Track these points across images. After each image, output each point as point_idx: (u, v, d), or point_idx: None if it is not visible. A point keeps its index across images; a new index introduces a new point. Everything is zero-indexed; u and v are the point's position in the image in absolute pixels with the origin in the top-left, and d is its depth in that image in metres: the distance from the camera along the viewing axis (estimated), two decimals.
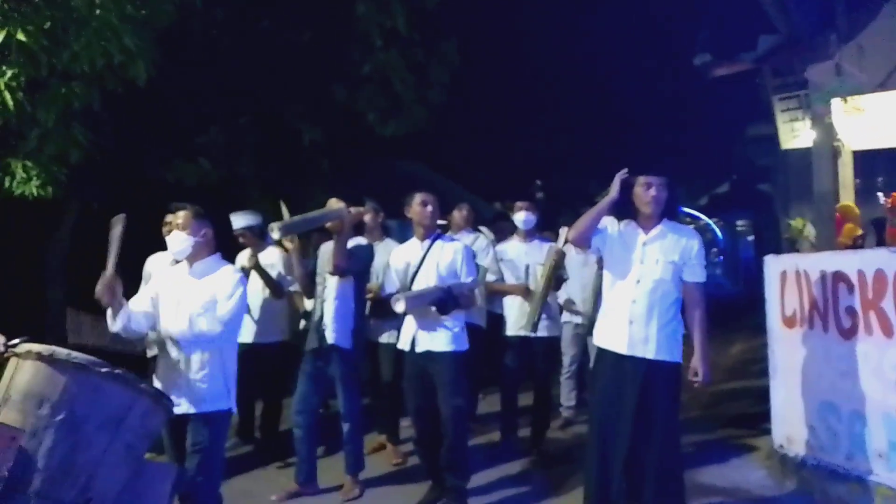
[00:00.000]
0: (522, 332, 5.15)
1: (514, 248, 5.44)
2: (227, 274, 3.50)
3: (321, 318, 4.42)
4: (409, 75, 6.98)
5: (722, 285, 23.88)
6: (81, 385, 2.55)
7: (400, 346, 4.31)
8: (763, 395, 4.71)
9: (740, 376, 7.88)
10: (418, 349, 4.15)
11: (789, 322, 4.39)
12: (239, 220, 5.40)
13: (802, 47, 6.45)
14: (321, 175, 7.71)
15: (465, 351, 4.20)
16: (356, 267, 4.42)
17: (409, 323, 4.22)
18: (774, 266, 4.58)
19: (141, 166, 6.79)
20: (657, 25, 10.62)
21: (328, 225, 4.34)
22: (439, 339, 4.12)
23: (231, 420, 3.65)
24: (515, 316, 5.27)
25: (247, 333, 5.13)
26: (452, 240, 4.47)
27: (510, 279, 5.36)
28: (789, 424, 4.39)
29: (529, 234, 5.42)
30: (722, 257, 29.18)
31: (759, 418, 5.10)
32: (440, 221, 5.22)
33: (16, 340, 2.64)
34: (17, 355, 2.60)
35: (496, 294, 5.53)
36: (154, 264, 4.97)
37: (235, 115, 6.90)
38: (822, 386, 4.08)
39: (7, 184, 5.52)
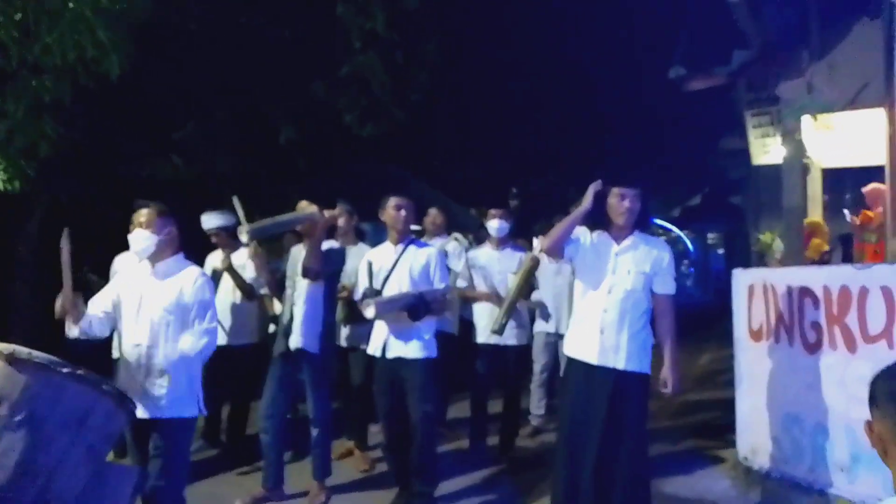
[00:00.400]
0: (493, 340, 5.12)
1: (486, 255, 5.42)
2: (192, 278, 3.39)
3: (290, 321, 4.36)
4: (387, 77, 6.97)
5: (692, 296, 24.17)
6: (42, 385, 2.50)
7: (370, 351, 4.28)
8: (730, 406, 4.76)
9: (708, 386, 7.96)
10: (389, 355, 4.13)
11: (756, 335, 4.44)
12: (211, 220, 5.32)
13: (775, 63, 6.55)
14: (297, 174, 7.67)
15: (435, 358, 4.18)
16: (327, 270, 4.36)
17: (380, 328, 4.20)
18: (742, 279, 4.64)
19: (113, 161, 6.69)
20: (635, 36, 10.73)
21: (299, 228, 4.31)
22: (411, 346, 4.11)
23: (197, 424, 3.58)
24: (485, 323, 5.24)
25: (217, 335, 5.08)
26: (426, 245, 4.45)
27: (481, 286, 5.33)
28: (754, 435, 4.44)
29: (502, 242, 5.40)
30: (693, 269, 29.55)
31: (725, 429, 5.15)
32: (415, 227, 5.21)
33: None
34: None
35: (466, 300, 5.53)
36: (121, 263, 4.87)
37: (212, 112, 6.84)
38: (787, 398, 4.14)
39: None
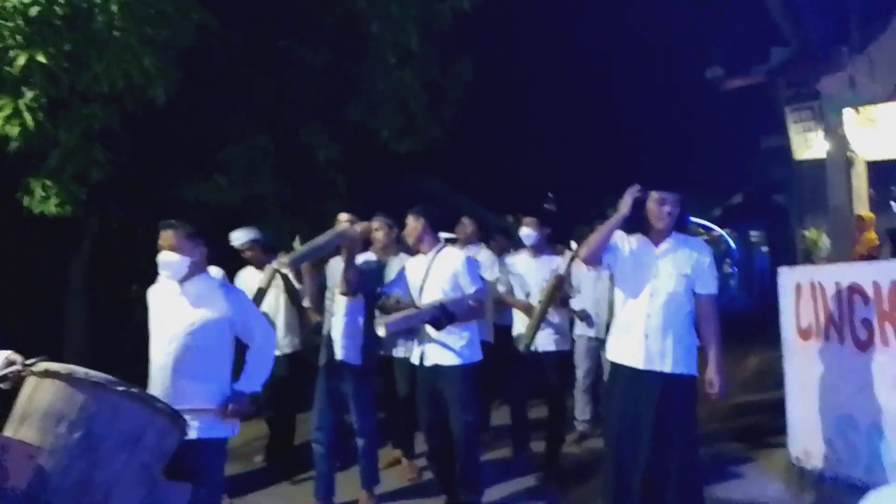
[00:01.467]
0: (532, 347, 5.13)
1: (523, 262, 5.43)
2: (227, 299, 3.29)
3: (329, 334, 4.46)
4: (422, 94, 7.06)
5: (736, 297, 23.69)
6: (99, 404, 2.54)
7: (412, 360, 4.33)
8: (780, 408, 4.68)
9: (756, 389, 7.81)
10: (427, 363, 4.16)
11: (804, 334, 4.37)
12: (243, 235, 5.38)
13: (815, 59, 6.46)
14: (337, 192, 7.79)
15: (475, 363, 4.18)
16: (367, 286, 4.41)
17: (419, 337, 4.24)
18: (789, 278, 4.57)
19: (160, 185, 6.90)
20: (669, 40, 10.66)
21: (345, 246, 4.35)
22: (447, 353, 4.11)
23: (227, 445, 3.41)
24: (521, 330, 5.27)
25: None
26: (456, 250, 4.48)
27: (518, 294, 5.36)
28: (806, 438, 4.35)
29: (538, 249, 5.38)
30: (736, 269, 28.98)
31: (775, 432, 5.07)
32: (448, 235, 5.26)
33: (33, 360, 2.64)
34: (35, 374, 2.59)
35: (504, 306, 5.56)
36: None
37: (253, 134, 7.01)
38: (839, 399, 4.06)
39: (27, 203, 5.63)
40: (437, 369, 4.11)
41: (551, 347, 5.20)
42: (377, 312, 4.36)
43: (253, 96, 6.90)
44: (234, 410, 3.19)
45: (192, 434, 3.06)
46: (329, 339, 4.44)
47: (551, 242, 5.71)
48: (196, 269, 3.30)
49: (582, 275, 5.97)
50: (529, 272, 5.31)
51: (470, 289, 4.14)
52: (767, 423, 5.78)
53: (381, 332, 3.96)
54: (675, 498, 3.45)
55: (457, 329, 4.07)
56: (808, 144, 8.43)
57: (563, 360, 5.39)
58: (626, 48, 10.66)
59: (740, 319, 14.21)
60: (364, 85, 7.03)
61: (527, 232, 5.33)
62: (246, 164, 6.80)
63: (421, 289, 4.22)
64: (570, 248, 5.38)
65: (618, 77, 11.24)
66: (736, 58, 6.89)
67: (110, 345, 7.17)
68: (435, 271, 4.20)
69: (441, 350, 4.11)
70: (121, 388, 2.56)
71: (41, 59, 4.86)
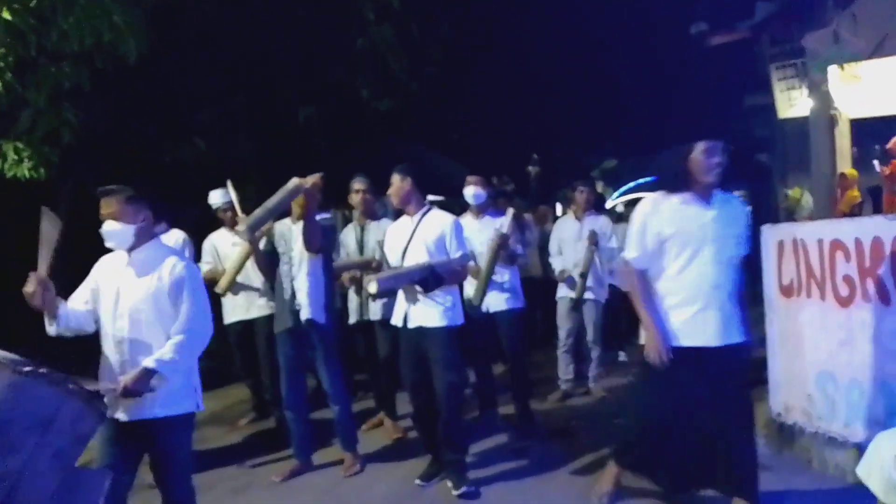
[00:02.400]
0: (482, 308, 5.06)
1: (467, 224, 5.10)
2: (170, 265, 3.05)
3: (293, 296, 4.36)
4: (402, 50, 6.92)
5: None
6: (4, 385, 2.36)
7: (393, 321, 4.27)
8: (761, 365, 4.72)
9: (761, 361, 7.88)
10: (410, 325, 4.10)
11: (787, 291, 4.38)
12: (221, 197, 5.27)
13: (799, 15, 6.39)
14: (317, 153, 7.68)
15: (458, 326, 4.13)
16: (325, 243, 4.36)
17: (402, 298, 4.17)
18: (771, 235, 4.57)
19: (136, 147, 6.75)
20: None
21: (297, 204, 4.22)
22: (431, 315, 4.05)
23: (195, 419, 3.21)
24: (469, 295, 5.06)
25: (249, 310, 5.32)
26: (443, 213, 4.27)
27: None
28: (787, 393, 4.40)
29: (481, 209, 5.23)
30: None
31: (756, 386, 5.12)
32: (435, 198, 5.15)
33: None
34: None
35: None
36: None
37: (230, 94, 6.85)
38: (820, 355, 4.09)
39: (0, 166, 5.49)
40: (421, 331, 4.07)
41: (502, 307, 5.15)
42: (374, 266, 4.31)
43: (228, 55, 6.72)
44: (128, 389, 2.86)
45: (157, 412, 2.95)
46: (292, 302, 4.36)
47: (532, 203, 5.67)
48: (143, 236, 3.08)
49: (563, 236, 6.03)
50: (473, 234, 5.09)
51: (457, 253, 4.09)
52: (749, 378, 5.84)
53: (371, 288, 3.80)
54: (733, 466, 3.36)
55: (441, 292, 4.01)
56: (792, 103, 8.40)
57: (516, 317, 5.24)
58: (611, 2, 10.49)
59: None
60: (343, 42, 6.87)
61: (473, 191, 5.15)
62: (223, 125, 6.67)
63: (404, 250, 4.15)
64: (507, 212, 5.09)
65: (601, 34, 11.08)
66: (721, 13, 6.79)
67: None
68: (421, 233, 4.12)
69: (425, 312, 4.05)
70: (27, 369, 2.38)
71: (6, 16, 4.70)
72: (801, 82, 7.61)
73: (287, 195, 4.07)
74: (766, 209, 15.57)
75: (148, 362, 2.92)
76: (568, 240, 5.96)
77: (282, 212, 4.20)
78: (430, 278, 3.91)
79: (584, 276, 5.81)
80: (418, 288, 3.99)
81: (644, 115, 14.50)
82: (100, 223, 3.05)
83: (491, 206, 5.38)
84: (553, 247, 6.17)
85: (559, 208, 13.49)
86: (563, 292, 5.93)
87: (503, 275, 5.13)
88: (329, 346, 4.42)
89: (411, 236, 4.13)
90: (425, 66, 7.23)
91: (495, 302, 5.12)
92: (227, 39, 6.68)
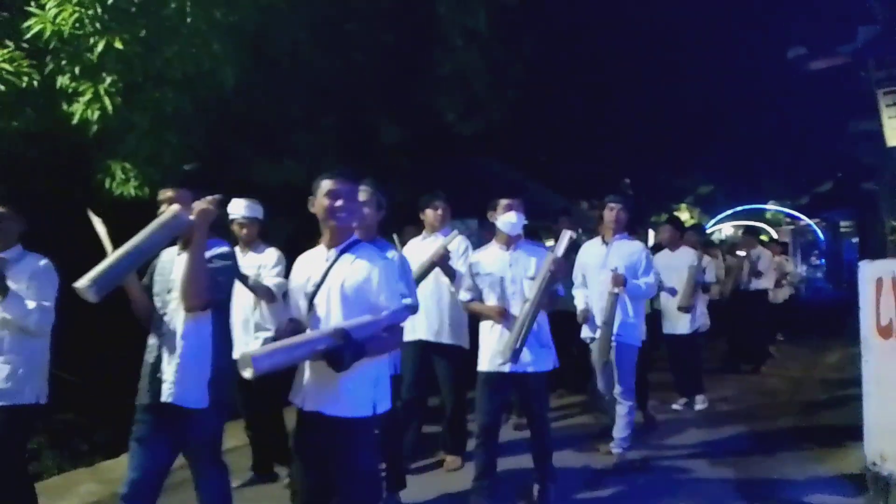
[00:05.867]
0: (500, 367, 4.09)
1: (492, 257, 4.27)
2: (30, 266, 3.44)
3: (157, 361, 3.14)
4: (487, 75, 6.98)
5: (822, 289, 22.66)
6: None
7: (291, 397, 2.98)
8: (856, 408, 4.45)
9: (834, 387, 7.45)
10: (308, 407, 2.85)
11: (884, 332, 4.12)
12: (244, 209, 4.73)
13: None
14: (401, 174, 7.82)
15: (375, 416, 2.86)
16: (222, 295, 3.18)
17: (301, 370, 2.91)
18: (869, 272, 4.31)
19: (229, 168, 7.07)
20: (748, 18, 10.13)
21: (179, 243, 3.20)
22: (338, 400, 2.79)
23: (29, 415, 3.52)
24: (492, 347, 4.18)
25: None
26: (375, 249, 3.02)
27: (490, 299, 4.22)
28: (883, 440, 4.12)
29: (514, 240, 4.25)
30: (823, 260, 27.70)
31: (850, 432, 4.82)
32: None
33: None
34: None
35: (474, 315, 4.52)
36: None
37: (319, 116, 7.08)
38: None
39: (108, 185, 5.86)
40: (318, 418, 2.82)
41: (532, 368, 4.18)
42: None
43: (319, 78, 6.97)
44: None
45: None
46: (155, 370, 3.12)
47: (630, 228, 5.22)
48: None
49: (587, 261, 5.18)
50: (501, 268, 4.22)
51: (387, 305, 2.81)
52: (843, 423, 5.51)
53: (246, 374, 2.50)
54: None
55: (356, 370, 2.71)
56: None
57: (542, 382, 4.28)
58: (702, 26, 10.18)
59: (826, 313, 13.59)
60: (428, 65, 7.00)
61: (511, 218, 4.17)
62: (313, 147, 6.88)
63: (311, 300, 2.87)
64: (560, 236, 4.21)
65: (694, 57, 10.78)
66: (820, 37, 6.48)
67: None
68: (335, 276, 2.85)
69: (329, 394, 2.79)
70: None
71: (118, 44, 5.02)
72: None
73: (160, 232, 3.00)
74: (875, 241, 14.67)
75: None
76: (592, 267, 5.10)
77: (153, 256, 3.14)
78: (343, 351, 2.59)
79: (607, 324, 4.85)
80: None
81: (742, 142, 14.00)
82: None
83: (524, 236, 4.43)
84: (576, 276, 5.22)
85: (651, 235, 13.16)
86: (587, 332, 5.14)
87: (538, 323, 4.10)
88: (205, 443, 3.20)
89: (324, 276, 2.87)
90: (508, 89, 7.26)
91: (528, 358, 4.09)
92: (315, 64, 6.93)
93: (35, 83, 5.06)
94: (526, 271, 4.13)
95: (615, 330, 4.90)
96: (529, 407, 4.37)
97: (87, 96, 5.18)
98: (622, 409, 5.03)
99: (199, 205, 3.03)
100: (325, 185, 2.90)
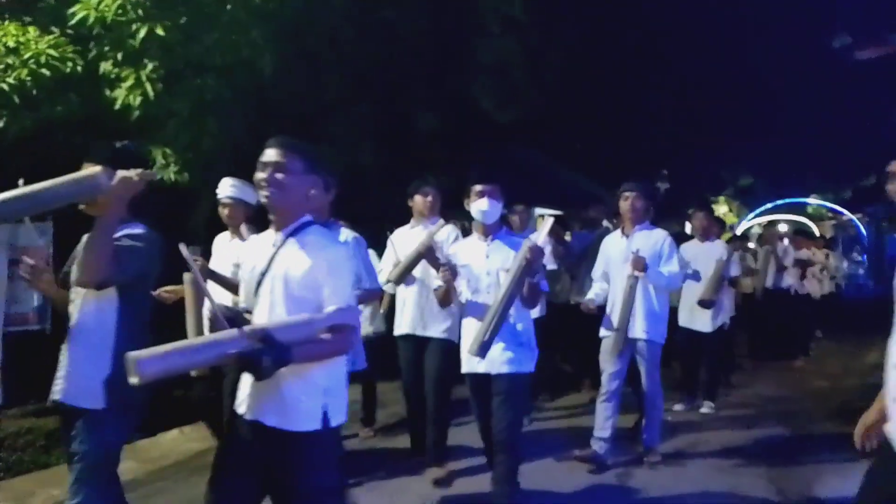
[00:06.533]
0: (482, 367, 3.78)
1: (468, 249, 3.98)
2: None
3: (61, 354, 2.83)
4: (525, 62, 6.93)
5: (864, 286, 22.13)
6: None
7: (236, 407, 2.55)
8: None
9: (875, 386, 7.27)
10: (249, 415, 2.48)
11: None
12: (231, 188, 4.47)
13: None
14: (437, 161, 7.82)
15: (326, 430, 2.44)
16: (126, 270, 2.71)
17: (245, 379, 2.51)
18: None
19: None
20: (792, 6, 9.87)
21: (82, 207, 2.77)
22: (282, 410, 2.41)
23: None
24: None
25: None
26: (324, 236, 2.58)
27: (465, 292, 3.90)
28: None
29: (492, 230, 3.91)
30: (865, 256, 27.05)
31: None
32: (552, 211, 4.84)
33: None
34: None
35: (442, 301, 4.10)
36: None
37: (356, 103, 7.10)
38: None
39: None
40: (258, 428, 2.45)
41: (502, 369, 3.83)
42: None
43: (356, 66, 6.98)
44: None
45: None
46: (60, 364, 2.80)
47: (662, 217, 5.23)
48: None
49: (610, 255, 4.98)
50: (477, 260, 3.94)
51: (330, 305, 2.41)
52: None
53: (133, 378, 2.06)
54: None
55: (302, 378, 2.38)
56: None
57: (519, 385, 3.86)
58: (746, 13, 9.93)
59: (868, 309, 13.25)
60: (466, 54, 6.98)
61: (484, 206, 3.82)
62: (349, 133, 6.90)
63: (257, 286, 2.53)
64: (540, 222, 4.26)
65: (735, 46, 10.53)
66: (867, 25, 6.28)
67: None
68: (278, 264, 2.49)
69: (271, 404, 2.43)
70: None
71: (159, 31, 5.10)
72: None
73: (68, 186, 2.59)
74: None
75: None
76: (615, 262, 4.87)
77: (50, 207, 2.78)
78: (260, 354, 2.18)
79: (623, 317, 4.65)
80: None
81: (785, 134, 13.68)
82: None
83: (504, 226, 4.16)
84: (596, 270, 5.08)
85: (688, 227, 12.93)
86: (604, 331, 4.90)
87: (516, 320, 3.77)
88: (84, 456, 2.67)
89: (268, 265, 2.51)
90: (546, 76, 7.19)
91: (494, 358, 3.73)
92: (353, 52, 6.94)
93: (79, 69, 5.17)
94: (503, 263, 3.77)
95: (644, 326, 4.76)
96: (495, 413, 3.75)
97: (129, 82, 5.27)
98: (650, 405, 5.02)
99: (124, 173, 2.64)
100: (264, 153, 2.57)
